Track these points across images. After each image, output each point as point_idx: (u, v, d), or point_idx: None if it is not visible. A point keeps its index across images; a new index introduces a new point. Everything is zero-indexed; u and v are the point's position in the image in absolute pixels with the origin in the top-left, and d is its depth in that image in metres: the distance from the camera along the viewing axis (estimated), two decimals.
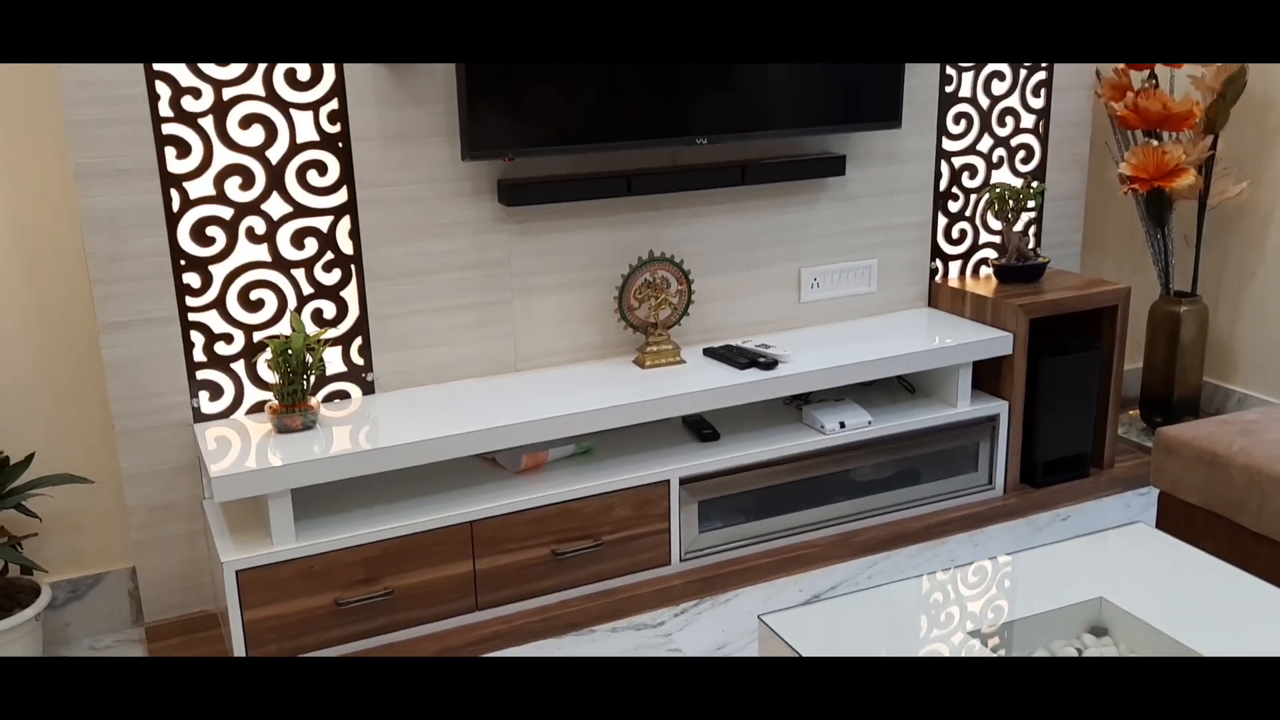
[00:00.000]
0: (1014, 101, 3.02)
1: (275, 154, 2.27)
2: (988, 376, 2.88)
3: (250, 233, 2.29)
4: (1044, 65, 3.01)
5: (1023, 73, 3.00)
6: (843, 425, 2.68)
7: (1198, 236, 3.15)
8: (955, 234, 3.06)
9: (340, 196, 2.35)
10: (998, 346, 2.79)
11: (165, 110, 2.17)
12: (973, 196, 3.05)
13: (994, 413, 2.84)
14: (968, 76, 2.94)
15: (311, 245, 2.35)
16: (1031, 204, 2.99)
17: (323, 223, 2.35)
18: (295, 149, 2.29)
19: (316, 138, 2.30)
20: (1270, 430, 2.25)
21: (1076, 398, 2.90)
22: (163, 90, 2.16)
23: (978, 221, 3.07)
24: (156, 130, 2.17)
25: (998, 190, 2.94)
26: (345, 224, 2.37)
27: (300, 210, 2.32)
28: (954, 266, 3.08)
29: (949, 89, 2.92)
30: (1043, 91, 3.04)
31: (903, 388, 2.95)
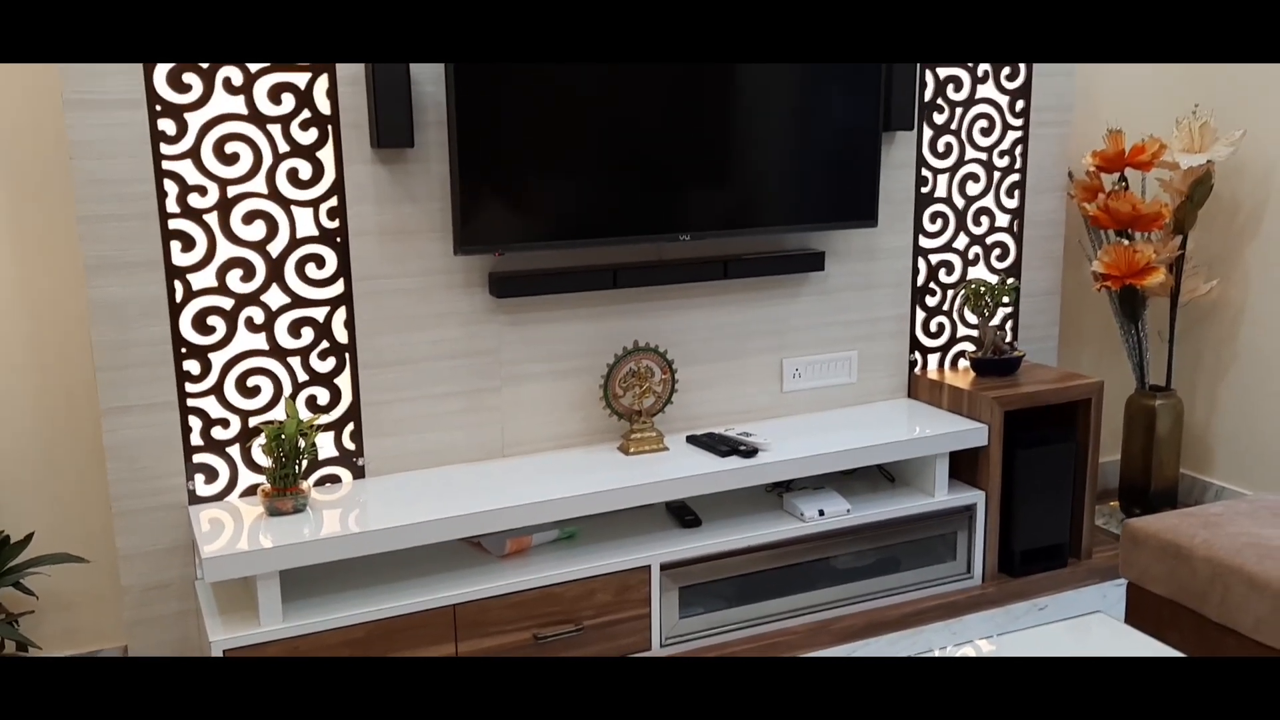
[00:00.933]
0: (989, 202, 3.14)
1: (276, 248, 2.39)
2: (965, 467, 2.95)
3: (249, 322, 2.40)
4: (1017, 168, 3.14)
5: (996, 175, 3.12)
6: (822, 513, 2.75)
7: (1170, 332, 3.24)
8: (934, 327, 3.16)
9: (337, 288, 2.46)
10: (974, 438, 2.87)
11: (172, 206, 2.29)
12: (950, 292, 3.15)
13: (971, 502, 2.91)
14: (943, 178, 3.07)
15: (308, 334, 2.45)
16: (1007, 300, 3.09)
17: (319, 313, 2.46)
18: (295, 243, 2.40)
19: (316, 233, 2.42)
20: (1233, 523, 2.31)
21: (1053, 488, 2.97)
22: (170, 188, 2.28)
23: (955, 316, 3.17)
24: (163, 225, 2.29)
25: (974, 286, 3.04)
26: (341, 314, 2.47)
27: (298, 301, 2.43)
28: (933, 359, 3.18)
29: (925, 189, 3.05)
30: (1016, 192, 3.17)
31: (883, 477, 3.02)
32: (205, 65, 2.26)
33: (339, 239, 2.44)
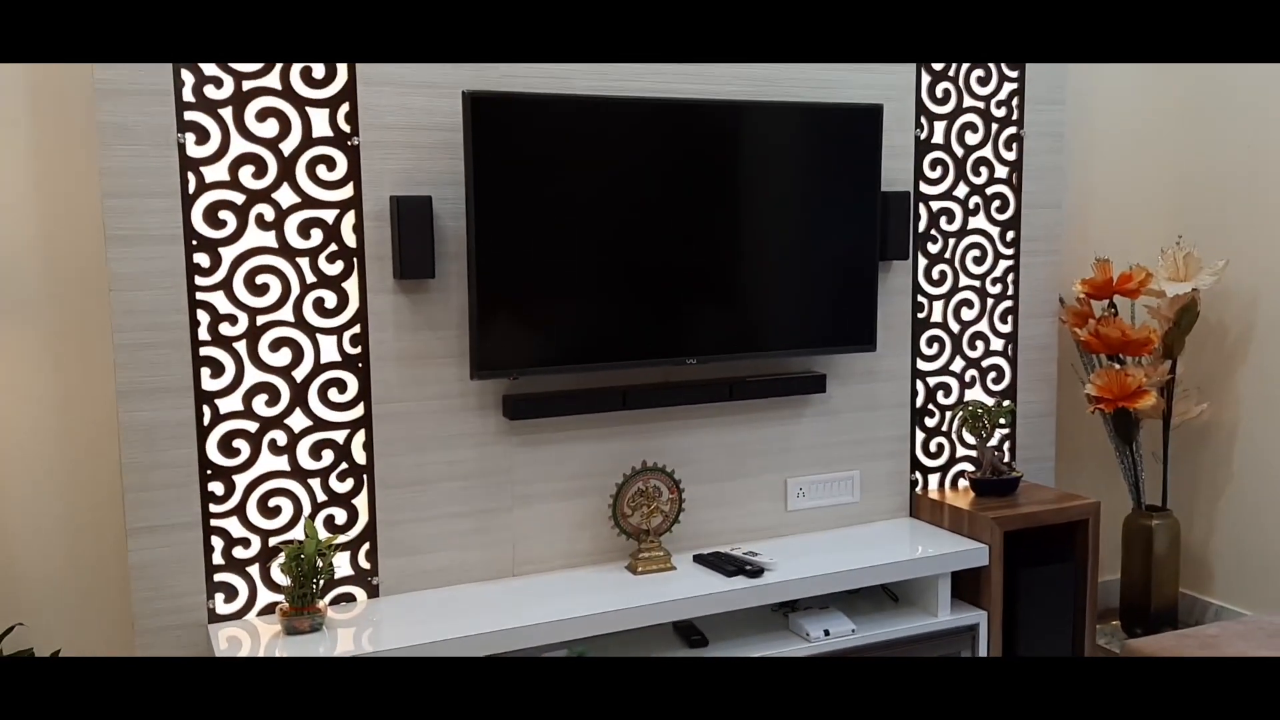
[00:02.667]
0: (983, 326, 3.26)
1: (300, 373, 2.50)
2: (968, 586, 3.00)
3: (273, 445, 2.49)
4: (1010, 294, 3.27)
5: (990, 301, 3.25)
6: (827, 633, 2.79)
7: (1164, 454, 3.33)
8: (933, 448, 3.24)
9: (358, 411, 2.56)
10: (974, 558, 2.93)
11: (204, 335, 2.41)
12: (948, 413, 3.25)
13: (974, 622, 2.95)
14: (938, 304, 3.19)
15: (328, 456, 2.54)
16: (1004, 421, 3.18)
17: (340, 435, 2.55)
18: (319, 369, 2.51)
19: (339, 359, 2.53)
20: (1230, 645, 2.36)
21: (1055, 608, 3.01)
22: (203, 317, 2.40)
23: (954, 437, 3.26)
24: (195, 352, 2.40)
25: (971, 408, 3.14)
26: (360, 436, 2.57)
27: (320, 424, 2.53)
28: (933, 479, 3.25)
29: (921, 315, 3.17)
30: (1010, 318, 3.29)
31: (887, 596, 3.06)
32: (240, 201, 2.41)
33: (361, 364, 2.55)
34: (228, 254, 2.42)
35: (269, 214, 2.44)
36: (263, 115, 2.41)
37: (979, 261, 3.23)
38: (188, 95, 2.35)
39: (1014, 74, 3.19)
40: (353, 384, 2.55)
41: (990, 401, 3.29)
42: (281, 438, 2.50)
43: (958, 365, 3.25)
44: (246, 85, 2.39)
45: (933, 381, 3.22)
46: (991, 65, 3.16)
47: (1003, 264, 3.26)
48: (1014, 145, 3.22)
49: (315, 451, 2.53)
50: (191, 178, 2.37)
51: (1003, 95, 3.19)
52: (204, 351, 2.42)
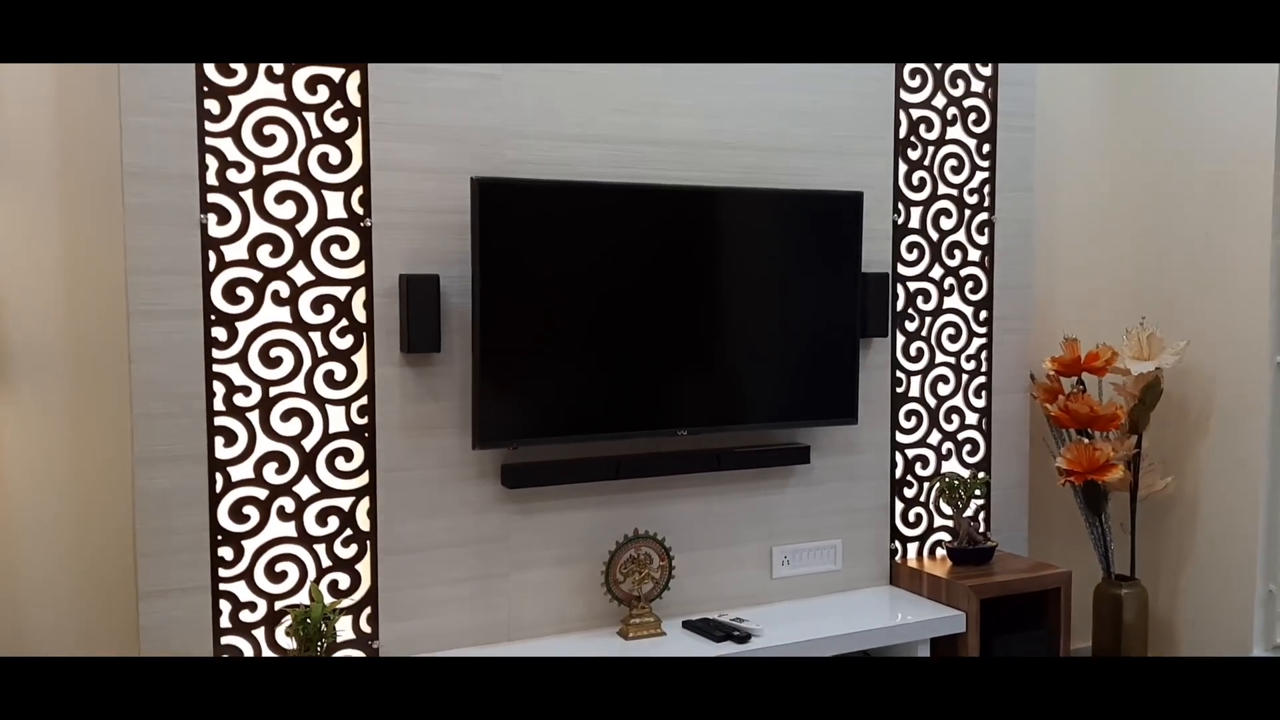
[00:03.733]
0: (959, 401, 3.41)
1: (310, 442, 2.60)
2: (946, 652, 3.10)
3: (281, 511, 2.59)
4: (983, 371, 3.43)
5: (964, 377, 3.41)
6: None
7: (1132, 525, 3.47)
8: (912, 518, 3.37)
9: (363, 479, 2.66)
10: (952, 625, 3.04)
11: (219, 405, 2.51)
12: (926, 484, 3.38)
13: None
14: (916, 380, 3.34)
15: (334, 522, 2.64)
16: (979, 492, 3.32)
17: (345, 502, 2.65)
18: (328, 438, 2.62)
19: (347, 428, 2.64)
20: None
21: None
22: (218, 388, 2.51)
23: (932, 507, 3.39)
24: (209, 422, 2.51)
25: (948, 480, 3.27)
26: (365, 503, 2.67)
27: (327, 491, 2.63)
28: (912, 548, 3.37)
29: (900, 390, 3.32)
30: (984, 393, 3.44)
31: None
32: (257, 278, 2.53)
33: (367, 434, 2.66)
34: (244, 328, 2.53)
35: (284, 290, 2.56)
36: (281, 198, 2.55)
37: (954, 339, 3.39)
38: (211, 179, 2.48)
39: (985, 163, 3.39)
40: (359, 453, 2.66)
41: (966, 473, 3.42)
42: (290, 504, 2.60)
43: (935, 438, 3.39)
44: (267, 170, 2.53)
45: (911, 453, 3.36)
46: (963, 151, 3.35)
47: (976, 341, 3.42)
48: (985, 230, 3.41)
49: (322, 518, 2.63)
50: (212, 256, 2.50)
51: (975, 183, 3.38)
52: (218, 421, 2.52)
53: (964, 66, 3.33)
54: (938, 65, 3.29)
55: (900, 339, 3.31)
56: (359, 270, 2.63)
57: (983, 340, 3.43)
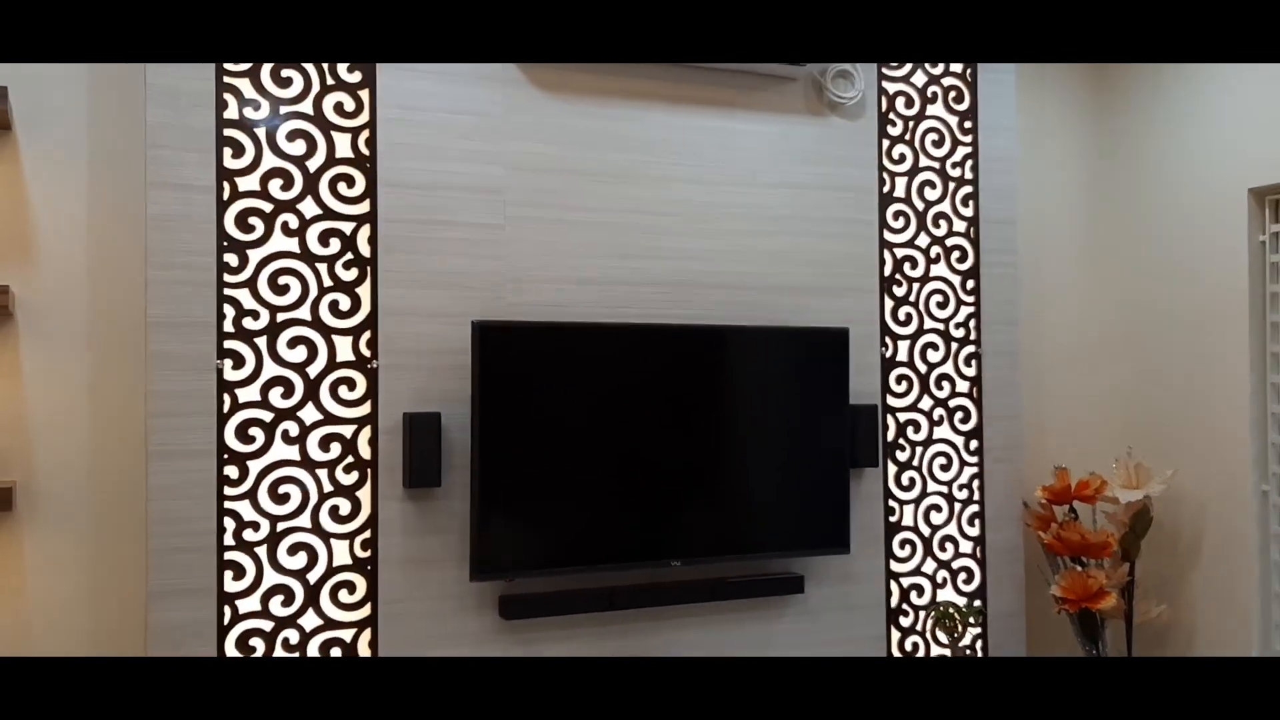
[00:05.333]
0: (952, 530, 3.48)
1: (314, 575, 2.72)
2: None
3: (285, 643, 2.68)
4: (976, 499, 3.50)
5: (957, 505, 3.49)
6: None
7: (1128, 653, 3.49)
8: (909, 647, 3.41)
9: (364, 611, 2.76)
10: None
11: (229, 540, 2.64)
12: (921, 613, 3.43)
13: None
14: (909, 509, 3.43)
15: (335, 654, 2.73)
16: (974, 621, 3.36)
17: (347, 635, 2.74)
18: (331, 571, 2.73)
19: (350, 562, 2.75)
20: None
21: None
22: (229, 524, 2.64)
23: (928, 636, 3.43)
24: (219, 556, 2.63)
25: (943, 609, 3.32)
26: (366, 635, 2.76)
27: (330, 624, 2.73)
28: None
29: (892, 519, 3.40)
30: (977, 521, 3.51)
31: None
32: (268, 418, 2.68)
33: (370, 567, 2.77)
34: (254, 466, 2.68)
35: (294, 430, 2.71)
36: (293, 343, 2.72)
37: (945, 469, 3.48)
38: (228, 326, 2.66)
39: (970, 298, 3.53)
40: (361, 585, 2.76)
41: (961, 602, 3.47)
42: (294, 636, 2.69)
43: (929, 567, 3.45)
44: (281, 317, 2.71)
45: (906, 582, 3.42)
46: (948, 289, 3.50)
47: (968, 471, 3.51)
48: (973, 362, 3.53)
49: (325, 650, 2.72)
50: (227, 398, 2.65)
51: (961, 317, 3.51)
52: (228, 555, 2.64)
53: (946, 207, 3.50)
54: (919, 206, 3.46)
55: (892, 469, 3.40)
56: (365, 409, 2.78)
57: (974, 469, 3.52)
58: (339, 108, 2.78)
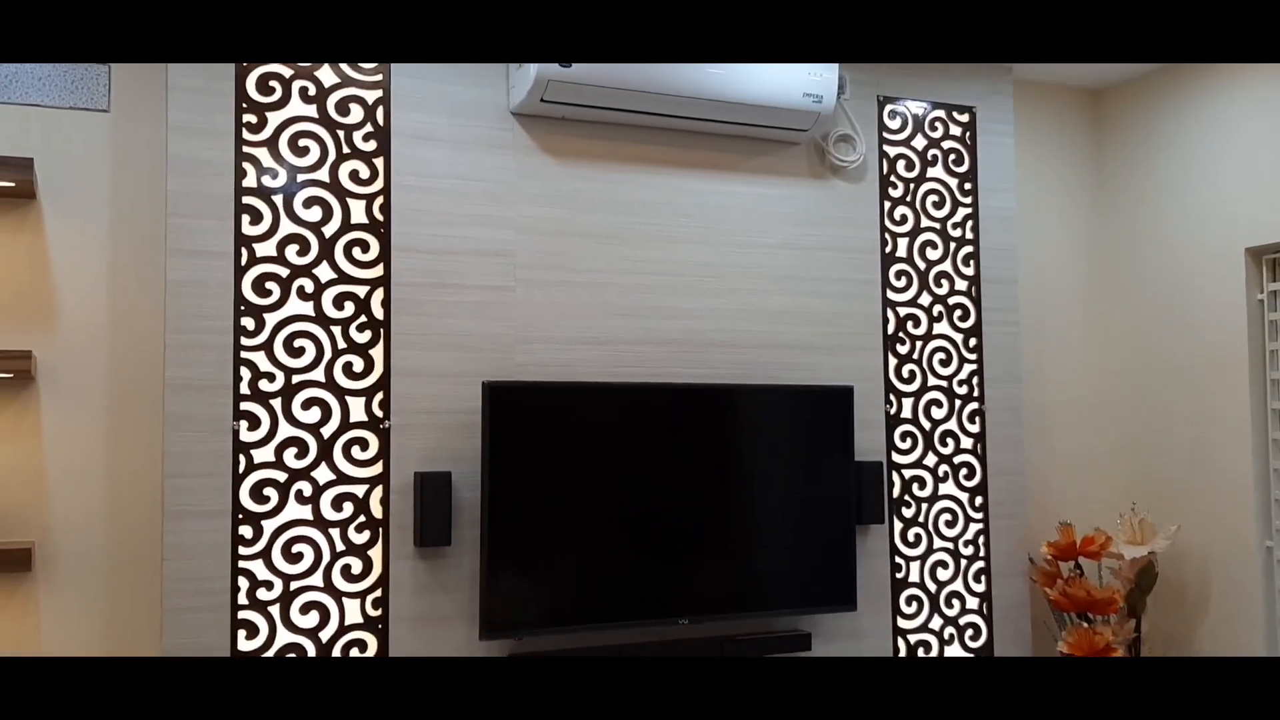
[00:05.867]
0: (958, 586, 3.50)
1: (326, 634, 2.75)
2: None
3: None
4: (981, 555, 3.53)
5: (963, 562, 3.51)
6: None
7: None
8: None
9: None
10: None
11: (243, 599, 2.68)
12: None
13: None
14: (915, 565, 3.45)
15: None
16: None
17: None
18: (343, 630, 2.76)
19: (361, 620, 2.78)
20: None
21: None
22: (243, 583, 2.68)
23: None
24: (234, 615, 2.66)
25: None
26: None
27: None
28: None
29: (899, 575, 3.42)
30: (983, 577, 3.53)
31: None
32: (282, 479, 2.73)
33: (380, 625, 2.80)
34: (269, 525, 2.72)
35: (307, 490, 2.76)
36: (308, 404, 2.77)
37: (950, 525, 3.50)
38: (244, 389, 2.72)
39: (973, 356, 3.58)
40: (372, 644, 2.79)
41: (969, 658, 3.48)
42: None
43: (936, 623, 3.46)
44: (296, 379, 2.76)
45: (913, 639, 3.43)
46: (950, 346, 3.55)
47: (973, 527, 3.53)
48: (976, 419, 3.57)
49: None
50: (242, 459, 2.71)
51: (963, 375, 3.56)
52: (242, 615, 2.68)
53: (947, 266, 3.56)
54: (921, 266, 3.52)
55: (898, 525, 3.43)
56: (377, 469, 2.83)
57: (979, 525, 3.54)
58: (354, 175, 2.86)
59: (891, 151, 3.50)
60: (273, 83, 2.80)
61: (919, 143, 3.54)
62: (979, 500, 3.55)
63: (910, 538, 3.45)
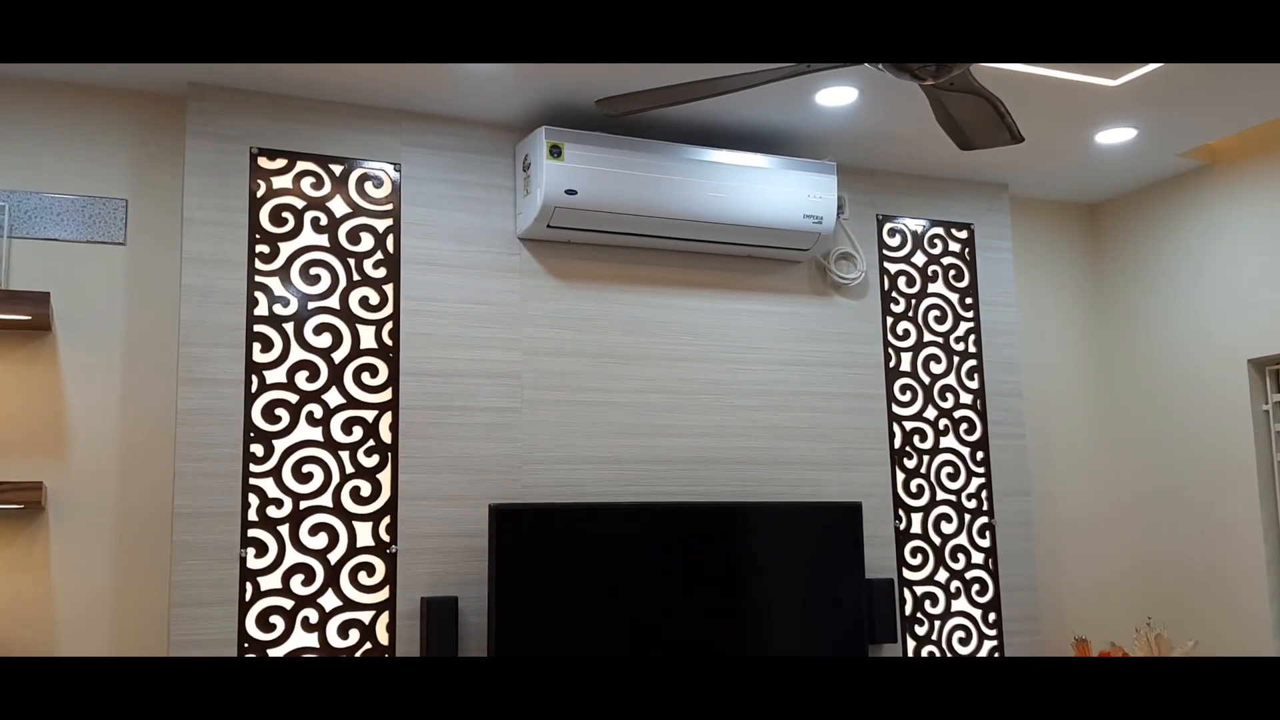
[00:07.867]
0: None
1: None
2: None
3: None
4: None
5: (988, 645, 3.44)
6: None
7: None
8: None
9: None
10: None
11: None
12: None
13: None
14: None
15: None
16: None
17: None
18: None
19: None
20: None
21: None
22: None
23: None
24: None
25: None
26: None
27: None
28: None
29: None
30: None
31: None
32: (289, 606, 2.71)
33: None
34: (274, 654, 2.69)
35: (314, 617, 2.74)
36: (315, 530, 2.77)
37: (965, 642, 3.45)
38: (252, 515, 2.72)
39: (980, 469, 3.57)
40: None
41: None
42: None
43: None
44: (303, 505, 2.77)
45: None
46: (958, 460, 3.55)
47: (988, 644, 3.48)
48: (986, 533, 3.55)
49: None
50: (249, 586, 2.70)
51: (972, 488, 3.55)
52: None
53: (951, 380, 3.58)
54: (926, 380, 3.55)
55: (911, 643, 3.38)
56: (384, 594, 2.81)
57: (994, 642, 3.49)
58: (364, 301, 2.91)
59: (892, 268, 3.55)
60: (285, 214, 2.87)
61: (919, 259, 3.60)
62: (992, 617, 3.51)
63: (924, 656, 3.40)
